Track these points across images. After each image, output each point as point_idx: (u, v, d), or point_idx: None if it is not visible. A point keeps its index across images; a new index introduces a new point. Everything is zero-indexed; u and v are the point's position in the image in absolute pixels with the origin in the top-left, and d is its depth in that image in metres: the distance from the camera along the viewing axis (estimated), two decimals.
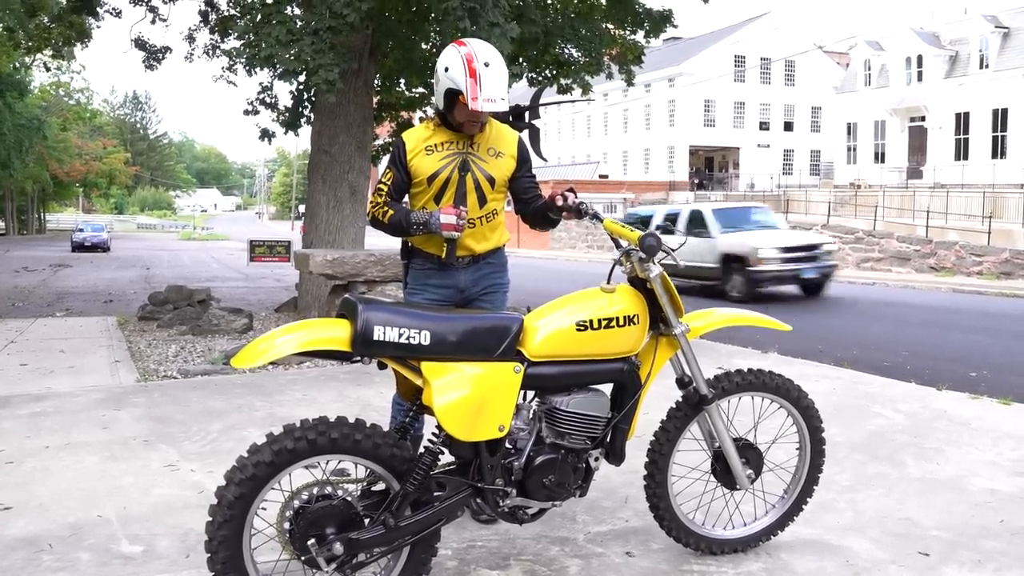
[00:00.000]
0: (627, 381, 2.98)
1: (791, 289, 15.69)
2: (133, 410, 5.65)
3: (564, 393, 2.89)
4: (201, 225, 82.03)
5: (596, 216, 3.19)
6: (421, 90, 13.28)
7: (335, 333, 2.61)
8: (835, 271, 16.45)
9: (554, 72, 12.49)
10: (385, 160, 12.94)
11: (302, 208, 17.21)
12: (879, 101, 39.82)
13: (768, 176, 45.60)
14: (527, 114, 4.42)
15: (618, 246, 3.10)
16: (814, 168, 51.29)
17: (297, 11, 9.72)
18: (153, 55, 13.04)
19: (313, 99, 11.05)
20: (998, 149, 34.94)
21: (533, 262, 29.46)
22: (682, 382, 3.14)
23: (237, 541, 2.50)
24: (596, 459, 2.98)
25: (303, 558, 2.55)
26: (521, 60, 11.73)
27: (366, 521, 2.63)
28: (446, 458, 2.84)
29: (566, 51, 12.29)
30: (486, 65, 3.15)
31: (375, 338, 2.59)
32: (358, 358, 2.67)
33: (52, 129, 51.79)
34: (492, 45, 3.37)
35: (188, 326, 9.54)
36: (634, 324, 2.95)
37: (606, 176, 51.21)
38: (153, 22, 13.25)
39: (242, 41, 10.35)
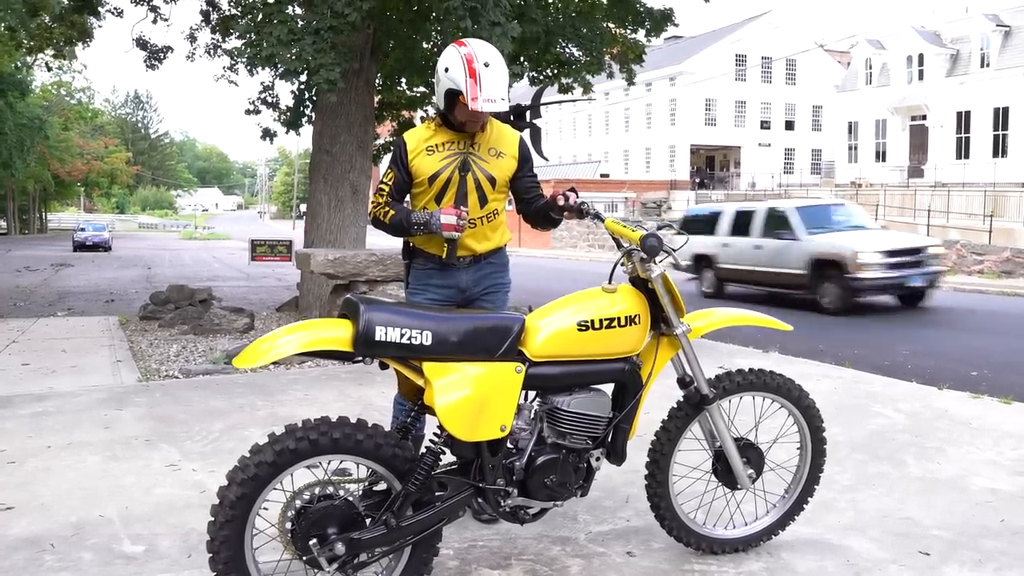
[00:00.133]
0: (628, 381, 2.98)
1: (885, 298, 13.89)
2: (135, 410, 5.66)
3: (565, 393, 2.90)
4: (202, 224, 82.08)
5: (597, 216, 3.19)
6: (422, 89, 13.28)
7: (337, 333, 2.62)
8: (940, 278, 14.17)
9: (555, 71, 12.49)
10: (386, 160, 12.95)
11: (303, 207, 17.21)
12: (880, 100, 39.80)
13: (769, 175, 45.60)
14: (528, 113, 4.42)
15: (619, 246, 3.10)
16: (815, 167, 51.27)
17: (298, 10, 9.73)
18: (154, 55, 13.05)
19: (314, 98, 11.06)
20: (999, 148, 34.93)
21: (534, 261, 29.46)
22: (683, 382, 3.15)
23: (239, 541, 2.51)
24: (597, 459, 2.99)
25: (305, 558, 2.56)
26: (522, 59, 11.73)
27: (368, 521, 2.64)
28: (448, 458, 2.84)
29: (567, 50, 12.29)
30: (486, 65, 3.15)
31: (377, 338, 2.60)
32: (360, 358, 2.68)
33: (54, 129, 51.82)
34: (493, 44, 3.38)
35: (190, 326, 9.55)
36: (635, 324, 2.95)
37: (607, 175, 51.21)
38: (155, 22, 13.26)
39: (243, 40, 10.35)
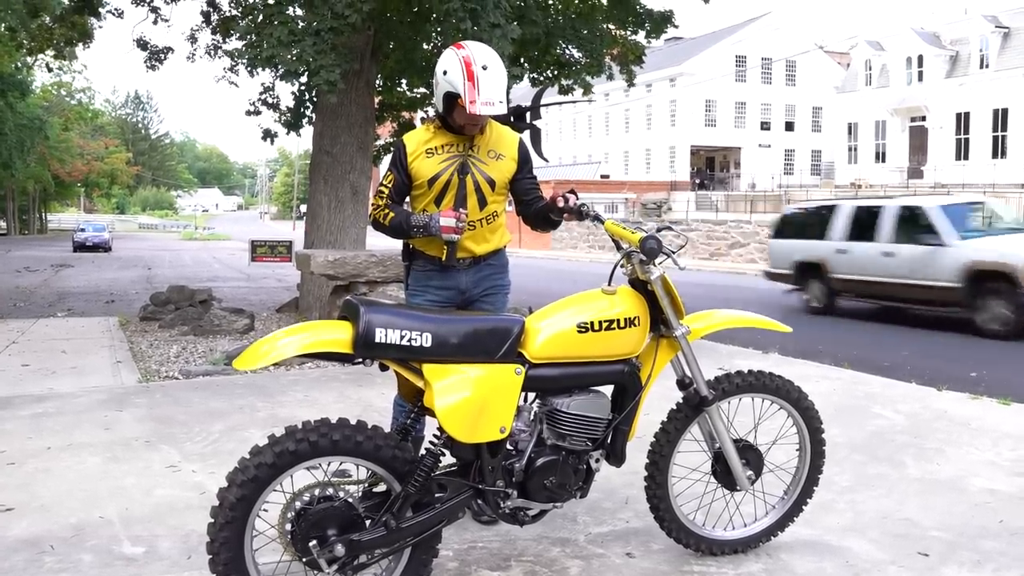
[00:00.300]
0: (628, 383, 2.98)
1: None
2: (135, 411, 5.66)
3: (565, 395, 2.90)
4: (203, 225, 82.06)
5: (597, 217, 3.20)
6: (422, 91, 13.28)
7: (337, 335, 2.62)
8: None
9: (555, 73, 12.49)
10: (386, 161, 12.96)
11: (303, 208, 17.21)
12: (880, 101, 39.83)
13: (769, 176, 45.64)
14: (528, 115, 4.43)
15: (619, 248, 3.11)
16: (815, 168, 51.30)
17: (299, 12, 9.73)
18: (155, 55, 13.05)
19: (315, 99, 11.07)
20: (998, 149, 34.96)
21: (534, 262, 29.47)
22: (683, 383, 3.15)
23: (239, 542, 2.51)
24: (597, 460, 3.00)
25: (304, 559, 2.56)
26: (522, 61, 11.74)
27: (367, 522, 2.64)
28: (447, 460, 2.85)
29: (567, 52, 12.29)
30: (484, 68, 3.16)
31: (377, 340, 2.60)
32: (360, 360, 2.68)
33: (54, 129, 51.82)
34: (493, 46, 3.39)
35: (190, 326, 9.55)
36: (635, 326, 2.96)
37: (607, 176, 51.23)
38: (155, 22, 13.26)
39: (244, 42, 10.37)
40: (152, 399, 6.04)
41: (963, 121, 36.45)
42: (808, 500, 3.45)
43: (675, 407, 3.21)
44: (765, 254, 29.27)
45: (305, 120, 11.53)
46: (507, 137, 3.54)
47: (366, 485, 2.75)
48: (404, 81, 13.20)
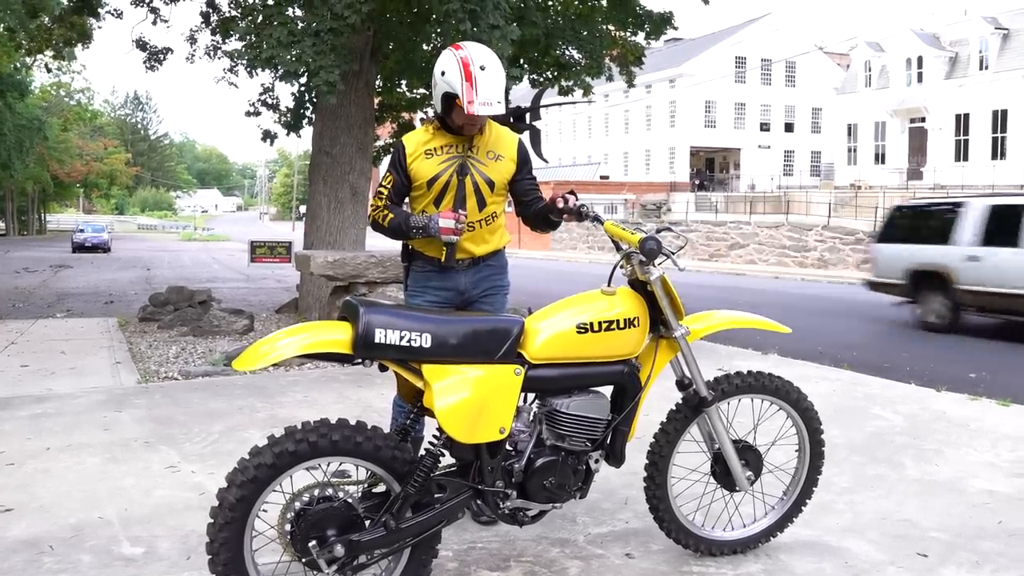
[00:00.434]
0: (627, 383, 2.99)
1: None
2: (134, 411, 5.66)
3: (564, 395, 2.91)
4: (202, 226, 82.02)
5: (597, 218, 3.20)
6: (422, 91, 13.28)
7: (336, 336, 2.63)
8: None
9: (555, 74, 12.50)
10: (386, 162, 12.96)
11: (303, 209, 17.19)
12: (879, 102, 39.85)
13: (769, 177, 45.66)
14: (528, 115, 4.43)
15: (619, 249, 3.11)
16: (815, 169, 51.33)
17: (298, 12, 9.73)
18: (154, 56, 13.04)
19: (314, 100, 11.07)
20: (998, 150, 34.97)
21: (534, 263, 29.48)
22: (682, 384, 3.15)
23: (238, 543, 2.51)
24: (596, 461, 3.00)
25: (304, 560, 2.56)
26: (522, 62, 11.74)
27: (367, 523, 2.64)
28: (447, 460, 2.85)
29: (567, 53, 12.29)
30: (482, 69, 3.16)
31: (376, 341, 2.60)
32: (359, 360, 2.68)
33: (53, 130, 51.77)
34: (493, 47, 3.39)
35: (189, 327, 9.55)
36: (634, 327, 2.96)
37: (607, 177, 51.26)
38: (154, 23, 13.26)
39: (243, 42, 10.37)
40: (151, 400, 6.04)
41: (963, 122, 36.46)
42: (807, 501, 3.45)
43: (674, 408, 3.21)
44: (765, 254, 29.50)
45: (305, 121, 11.52)
46: (506, 138, 3.54)
47: (366, 485, 2.75)
48: (403, 82, 13.21)
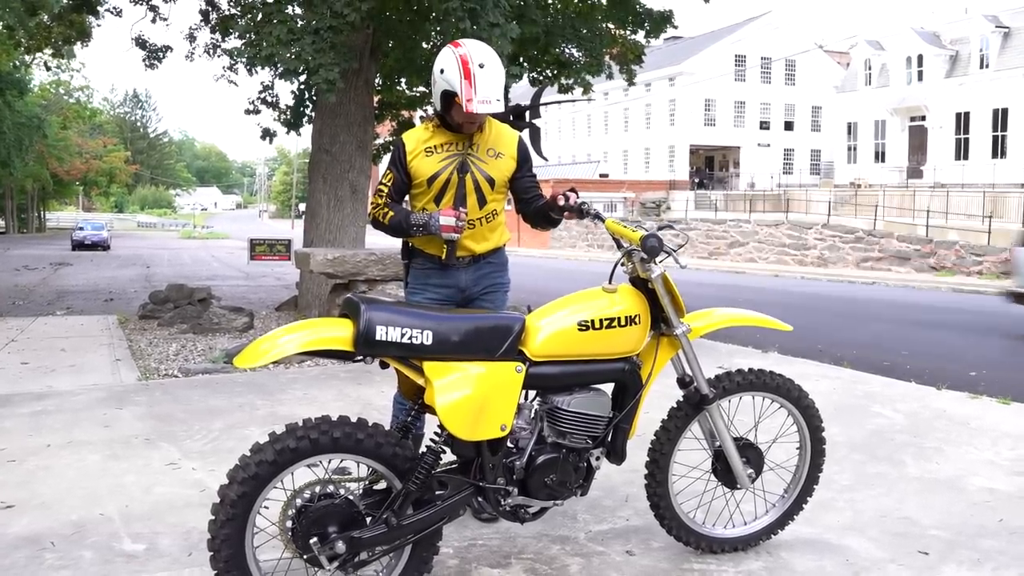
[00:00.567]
0: (628, 381, 2.99)
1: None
2: (134, 408, 5.66)
3: (566, 393, 2.90)
4: (201, 224, 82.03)
5: (598, 216, 3.20)
6: (422, 89, 13.28)
7: (337, 333, 2.63)
8: None
9: (555, 72, 12.49)
10: (386, 160, 12.96)
11: (302, 207, 17.17)
12: (879, 100, 39.83)
13: (768, 175, 45.64)
14: (528, 113, 4.42)
15: (619, 246, 3.11)
16: (814, 167, 51.30)
17: (298, 10, 9.73)
18: (154, 54, 13.04)
19: (314, 98, 11.06)
20: (998, 149, 34.95)
21: (533, 261, 29.48)
22: (683, 382, 3.15)
23: (240, 539, 2.52)
24: (597, 458, 3.00)
25: (305, 556, 2.57)
26: (522, 60, 11.74)
27: (368, 520, 2.64)
28: (448, 457, 2.85)
29: (567, 51, 12.29)
30: (481, 67, 3.15)
31: (377, 338, 2.60)
32: (360, 357, 2.68)
33: (52, 127, 51.79)
34: (492, 45, 3.39)
35: (189, 325, 9.55)
36: (636, 324, 2.96)
37: (606, 175, 51.24)
38: (154, 21, 13.25)
39: (243, 40, 10.35)
40: (151, 397, 6.04)
41: (963, 121, 36.44)
42: (808, 498, 3.45)
43: (676, 405, 3.21)
44: (764, 252, 29.51)
45: (304, 119, 11.53)
46: (506, 135, 3.54)
47: (367, 483, 2.75)
48: (403, 80, 13.20)
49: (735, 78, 49.77)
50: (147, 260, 30.56)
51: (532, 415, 2.96)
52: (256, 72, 11.17)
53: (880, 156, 40.63)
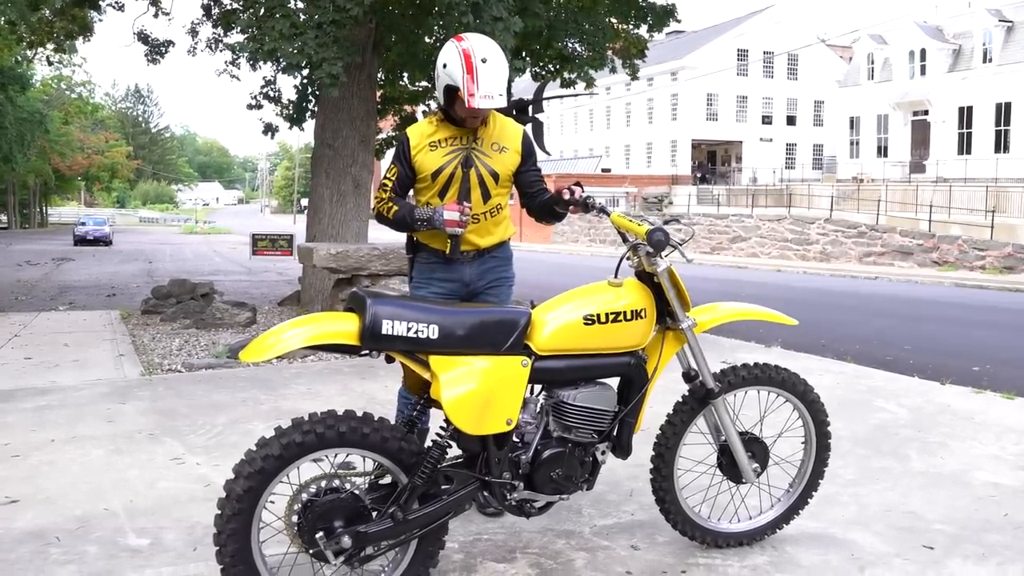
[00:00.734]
0: (634, 375, 2.98)
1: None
2: (138, 403, 5.66)
3: (571, 387, 2.90)
4: (203, 219, 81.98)
5: (603, 210, 3.19)
6: (424, 84, 13.27)
7: (343, 327, 2.62)
8: None
9: (557, 66, 12.47)
10: (389, 154, 12.96)
11: (304, 202, 17.18)
12: (882, 95, 39.75)
13: (771, 170, 45.56)
14: (530, 108, 4.41)
15: (625, 240, 3.10)
16: (817, 162, 51.23)
17: (300, 5, 9.72)
18: (155, 49, 13.03)
19: (317, 93, 11.05)
20: (1001, 143, 34.88)
21: (535, 256, 29.47)
22: (688, 376, 3.15)
23: (246, 534, 2.51)
24: (603, 453, 2.99)
25: (311, 551, 2.57)
26: (524, 54, 11.71)
27: (374, 514, 2.64)
28: (453, 452, 2.85)
29: (569, 45, 12.26)
30: (483, 61, 3.14)
31: (384, 332, 2.60)
32: (366, 352, 2.68)
33: (54, 123, 51.76)
34: (495, 39, 3.38)
35: (191, 320, 9.55)
36: (641, 318, 2.95)
37: (608, 170, 51.16)
38: (156, 16, 13.24)
39: (245, 35, 10.35)
40: (155, 392, 6.04)
41: (966, 115, 36.36)
42: (814, 493, 3.45)
43: (681, 399, 3.21)
44: (767, 247, 29.47)
45: (307, 114, 11.51)
46: (510, 129, 3.53)
47: (372, 477, 2.75)
48: (406, 75, 13.18)
49: (737, 72, 49.67)
50: (149, 255, 30.59)
51: (538, 409, 2.96)
52: (259, 67, 11.16)
53: (883, 151, 40.56)
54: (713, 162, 53.28)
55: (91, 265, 24.61)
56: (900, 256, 24.89)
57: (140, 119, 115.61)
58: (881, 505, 3.80)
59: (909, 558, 3.23)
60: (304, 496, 2.57)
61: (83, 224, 42.38)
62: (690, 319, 3.06)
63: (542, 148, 4.10)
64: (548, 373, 2.86)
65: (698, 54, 49.07)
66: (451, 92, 3.23)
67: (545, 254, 32.20)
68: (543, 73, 12.51)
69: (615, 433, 3.01)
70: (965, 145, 36.39)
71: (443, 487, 2.75)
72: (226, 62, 13.55)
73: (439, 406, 2.67)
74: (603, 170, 50.56)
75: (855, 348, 8.60)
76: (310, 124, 11.51)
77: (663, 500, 3.21)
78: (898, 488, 4.04)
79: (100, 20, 14.10)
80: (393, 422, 2.93)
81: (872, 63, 41.08)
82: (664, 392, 3.58)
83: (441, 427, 2.77)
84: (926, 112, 38.12)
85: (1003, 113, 34.78)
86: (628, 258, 3.09)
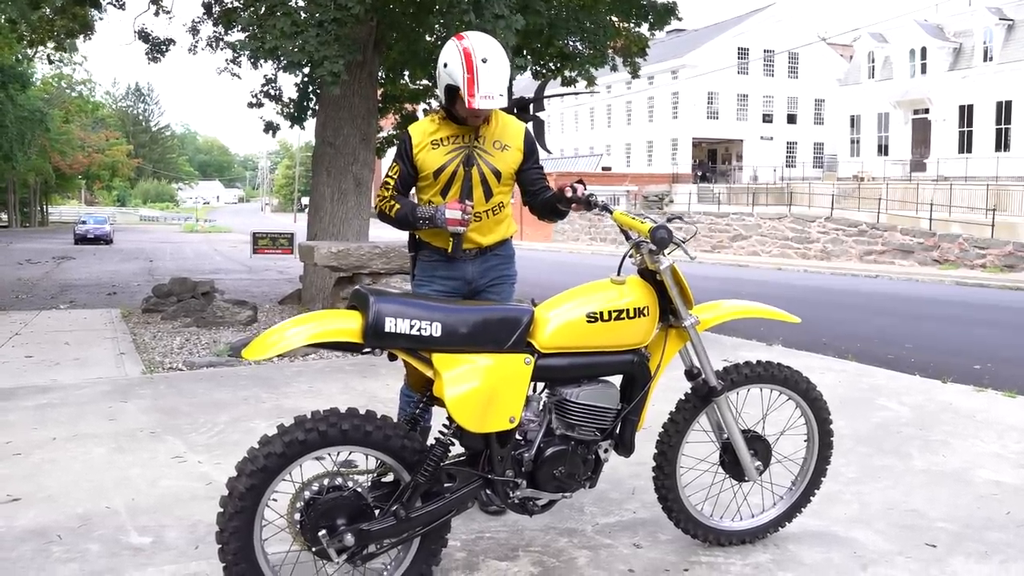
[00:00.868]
0: (637, 373, 2.98)
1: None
2: (139, 402, 5.66)
3: (574, 385, 2.90)
4: (204, 217, 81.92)
5: (605, 207, 3.19)
6: (425, 82, 13.26)
7: (346, 325, 2.62)
8: None
9: (558, 65, 12.47)
10: (390, 153, 12.96)
11: (305, 200, 17.18)
12: (883, 93, 39.72)
13: (771, 168, 45.53)
14: (532, 106, 4.40)
15: (628, 238, 3.09)
16: (817, 160, 51.20)
17: (301, 3, 9.72)
18: (156, 47, 13.03)
19: (318, 91, 11.05)
20: (1002, 142, 34.86)
21: (536, 254, 29.43)
22: (691, 374, 3.15)
23: (248, 532, 2.51)
24: (606, 450, 2.99)
25: (314, 549, 2.56)
26: (525, 52, 11.71)
27: (376, 512, 2.64)
28: (456, 449, 2.84)
29: (570, 44, 12.26)
30: (484, 61, 3.14)
31: (387, 330, 2.59)
32: (368, 349, 2.67)
33: (54, 121, 51.74)
34: (497, 37, 3.38)
35: (192, 318, 9.55)
36: (644, 316, 2.95)
37: (609, 168, 51.14)
38: (156, 14, 13.25)
39: (246, 33, 10.34)
40: (156, 390, 6.04)
41: (966, 114, 36.33)
42: (816, 491, 3.44)
43: (684, 397, 3.20)
44: (767, 246, 29.47)
45: (308, 112, 11.51)
46: (513, 127, 3.52)
47: (375, 475, 2.74)
48: (407, 73, 13.17)
49: (738, 71, 49.66)
50: (150, 254, 30.58)
51: (541, 407, 2.95)
52: (260, 65, 11.16)
53: (883, 149, 40.53)
54: (714, 160, 53.27)
55: (92, 264, 24.61)
56: (901, 255, 24.88)
57: (141, 117, 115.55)
58: (883, 503, 3.80)
59: (911, 556, 3.23)
60: (307, 494, 2.57)
61: (84, 223, 42.34)
62: (693, 317, 3.06)
63: (543, 146, 4.10)
64: (551, 371, 2.86)
65: (699, 52, 49.04)
66: (452, 91, 3.23)
67: (545, 252, 32.18)
68: (544, 71, 12.50)
69: (618, 431, 3.01)
70: (966, 144, 36.37)
71: (446, 485, 2.75)
72: (227, 60, 13.57)
73: (442, 404, 2.67)
74: (604, 168, 50.54)
75: (856, 346, 8.60)
76: (311, 122, 11.51)
77: (665, 498, 3.21)
78: (900, 486, 4.04)
79: (101, 18, 14.14)
80: (396, 420, 2.93)
81: (873, 61, 41.05)
82: (666, 390, 3.58)
83: (444, 425, 2.76)
84: (927, 110, 38.09)
85: (1004, 112, 34.75)
86: (631, 256, 3.09)
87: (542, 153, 3.98)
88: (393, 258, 7.71)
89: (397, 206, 3.39)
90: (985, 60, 35.43)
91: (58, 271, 21.41)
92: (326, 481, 2.60)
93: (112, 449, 4.55)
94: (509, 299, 3.60)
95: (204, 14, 13.29)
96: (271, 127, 12.28)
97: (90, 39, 13.94)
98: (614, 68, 13.44)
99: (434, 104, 13.11)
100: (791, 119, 51.98)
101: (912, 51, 38.41)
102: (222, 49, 13.61)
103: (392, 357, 2.78)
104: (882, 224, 26.36)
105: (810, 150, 52.22)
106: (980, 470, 4.29)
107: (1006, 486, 4.05)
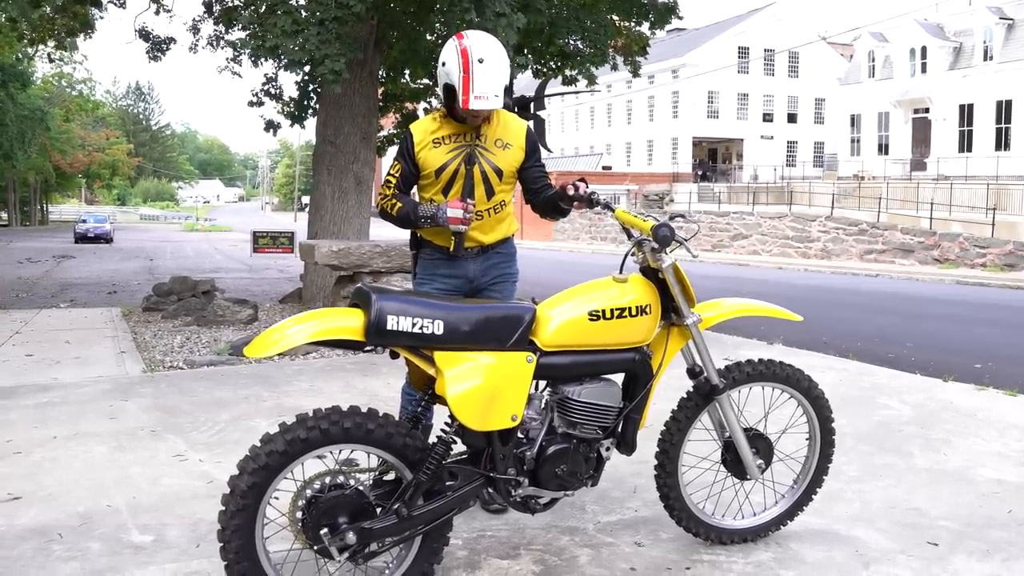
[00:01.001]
0: (639, 371, 2.97)
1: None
2: (140, 400, 5.66)
3: (576, 383, 2.89)
4: (204, 216, 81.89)
5: (608, 206, 3.19)
6: (426, 81, 13.26)
7: (348, 322, 2.61)
8: None
9: (559, 64, 12.46)
10: (391, 152, 12.95)
11: (305, 199, 17.18)
12: (883, 93, 39.72)
13: (772, 168, 45.53)
14: (532, 105, 4.40)
15: (630, 236, 3.09)
16: (817, 160, 51.19)
17: (302, 1, 9.71)
18: (157, 46, 13.01)
19: (318, 90, 11.04)
20: (1002, 141, 34.85)
21: (536, 253, 29.41)
22: (693, 372, 3.14)
23: (250, 530, 2.51)
24: (608, 449, 2.99)
25: (315, 547, 2.56)
26: (525, 51, 11.70)
27: (378, 511, 2.63)
28: (458, 448, 2.84)
29: (571, 42, 12.25)
30: (480, 61, 3.13)
31: (389, 328, 2.59)
32: (369, 347, 2.67)
33: (55, 120, 51.76)
34: (498, 35, 3.37)
35: (193, 317, 9.55)
36: (646, 314, 2.95)
37: (609, 167, 51.12)
38: (157, 12, 13.24)
39: (247, 32, 10.33)
40: (157, 389, 6.04)
41: (966, 113, 36.33)
42: (818, 489, 3.44)
43: (685, 395, 3.20)
44: (768, 245, 29.46)
45: (309, 111, 11.50)
46: (514, 126, 3.51)
47: (377, 473, 2.74)
48: (407, 72, 13.17)
49: (738, 70, 49.64)
50: (150, 253, 30.58)
51: (543, 405, 2.95)
52: (260, 64, 11.16)
53: (883, 148, 40.53)
54: (714, 160, 53.26)
55: (92, 262, 24.61)
56: (901, 254, 24.88)
57: (141, 116, 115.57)
58: (885, 502, 3.80)
59: (913, 554, 3.23)
60: (308, 492, 2.56)
61: (84, 221, 42.34)
62: (695, 315, 3.06)
63: (544, 145, 4.08)
64: (553, 369, 2.85)
65: (699, 52, 49.03)
66: (450, 90, 3.22)
67: (546, 251, 32.15)
68: (545, 70, 12.49)
69: (619, 429, 3.01)
70: (966, 143, 36.36)
71: (448, 483, 2.75)
72: (227, 59, 13.56)
73: (444, 402, 2.67)
74: (604, 168, 50.52)
75: (857, 345, 8.59)
76: (311, 121, 11.50)
77: (667, 496, 3.21)
78: (902, 485, 4.04)
79: (101, 17, 14.14)
80: (397, 418, 2.93)
81: (873, 61, 41.04)
82: (668, 388, 3.58)
83: (446, 423, 2.76)
84: (927, 110, 38.09)
85: (1004, 111, 34.75)
86: (633, 254, 3.09)
87: (542, 152, 3.97)
88: (394, 257, 7.71)
89: (399, 204, 3.39)
90: (985, 59, 35.42)
91: (58, 270, 21.41)
92: (328, 479, 2.59)
93: (113, 448, 4.55)
94: (511, 297, 3.60)
95: (205, 13, 13.28)
96: (272, 126, 12.27)
97: (90, 38, 13.93)
98: (615, 67, 13.43)
99: (435, 103, 13.11)
100: (791, 118, 51.97)
101: (912, 50, 38.41)
102: (223, 48, 13.61)
103: (394, 355, 2.78)
104: (882, 223, 26.36)
105: (810, 149, 52.21)
106: (981, 469, 4.29)
107: (1007, 484, 4.05)
